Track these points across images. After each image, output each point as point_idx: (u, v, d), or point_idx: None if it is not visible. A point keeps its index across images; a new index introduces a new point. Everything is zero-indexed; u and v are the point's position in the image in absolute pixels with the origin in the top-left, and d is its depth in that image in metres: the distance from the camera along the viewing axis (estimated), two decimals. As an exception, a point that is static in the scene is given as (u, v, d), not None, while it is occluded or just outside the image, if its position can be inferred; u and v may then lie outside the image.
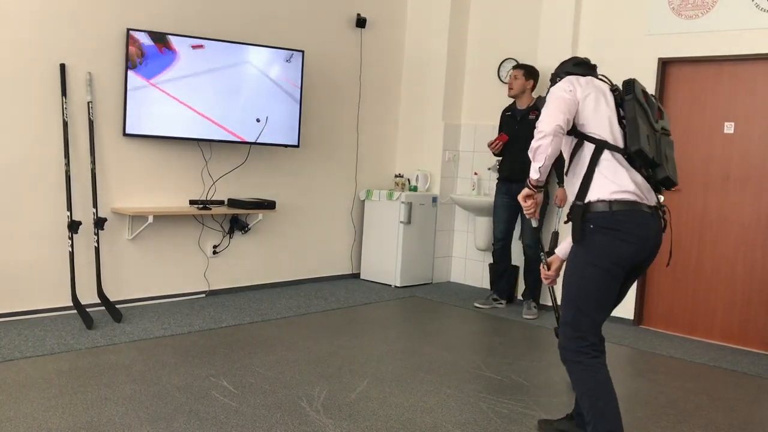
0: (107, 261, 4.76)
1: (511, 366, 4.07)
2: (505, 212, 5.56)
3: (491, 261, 5.88)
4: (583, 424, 2.95)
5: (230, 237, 5.50)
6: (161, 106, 4.80)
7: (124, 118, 4.70)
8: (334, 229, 6.34)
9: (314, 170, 6.08)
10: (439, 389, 3.57)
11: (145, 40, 4.68)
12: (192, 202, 5.19)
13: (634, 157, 2.59)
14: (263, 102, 5.32)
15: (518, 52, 6.11)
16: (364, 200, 6.46)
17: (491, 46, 6.37)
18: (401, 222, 6.15)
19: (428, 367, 3.93)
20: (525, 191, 2.76)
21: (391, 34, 6.64)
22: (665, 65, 5.17)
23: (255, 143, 5.36)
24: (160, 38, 4.74)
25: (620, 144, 2.63)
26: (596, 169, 2.62)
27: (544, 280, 3.03)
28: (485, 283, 6.29)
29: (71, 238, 4.45)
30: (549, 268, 2.99)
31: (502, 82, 6.27)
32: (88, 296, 4.57)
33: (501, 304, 5.70)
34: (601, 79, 2.81)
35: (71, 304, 4.46)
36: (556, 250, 2.98)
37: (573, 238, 2.65)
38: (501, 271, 5.71)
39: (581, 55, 5.53)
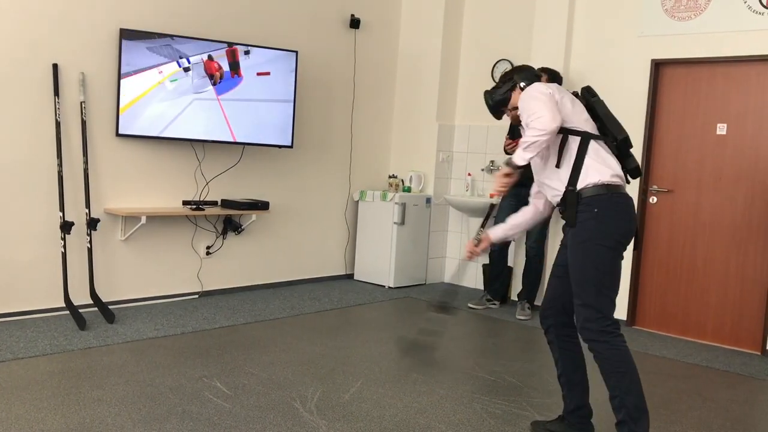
0: (100, 262, 4.74)
1: (504, 367, 4.08)
2: (509, 215, 5.52)
3: (485, 262, 5.89)
4: (572, 424, 2.97)
5: (224, 238, 5.49)
6: (158, 107, 4.79)
7: (117, 119, 4.69)
8: (327, 230, 6.33)
9: (308, 171, 6.08)
10: (432, 390, 3.57)
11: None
12: (185, 203, 5.17)
13: (621, 144, 2.84)
14: (258, 85, 5.29)
15: (512, 53, 6.12)
16: (357, 201, 6.46)
17: (485, 47, 6.38)
18: (395, 223, 6.15)
19: (421, 368, 3.93)
20: (507, 169, 2.84)
21: (385, 35, 6.64)
22: (658, 66, 5.19)
23: (248, 144, 5.35)
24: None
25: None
26: (585, 158, 2.77)
27: (468, 253, 3.15)
28: (479, 284, 6.30)
29: (64, 239, 4.43)
30: (478, 245, 3.13)
31: (496, 83, 6.27)
32: (80, 297, 4.55)
33: (495, 304, 5.71)
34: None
35: (64, 305, 4.44)
36: (489, 232, 3.16)
37: (569, 223, 2.79)
38: (497, 273, 5.71)
39: (575, 56, 5.59)
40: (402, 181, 6.54)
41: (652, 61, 5.17)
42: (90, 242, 4.58)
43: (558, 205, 2.91)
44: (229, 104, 5.15)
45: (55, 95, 4.43)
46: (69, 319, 4.38)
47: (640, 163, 5.20)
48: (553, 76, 5.03)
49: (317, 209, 6.21)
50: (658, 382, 3.98)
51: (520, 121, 2.96)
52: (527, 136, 2.76)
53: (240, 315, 4.88)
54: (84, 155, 4.57)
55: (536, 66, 5.68)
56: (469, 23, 6.55)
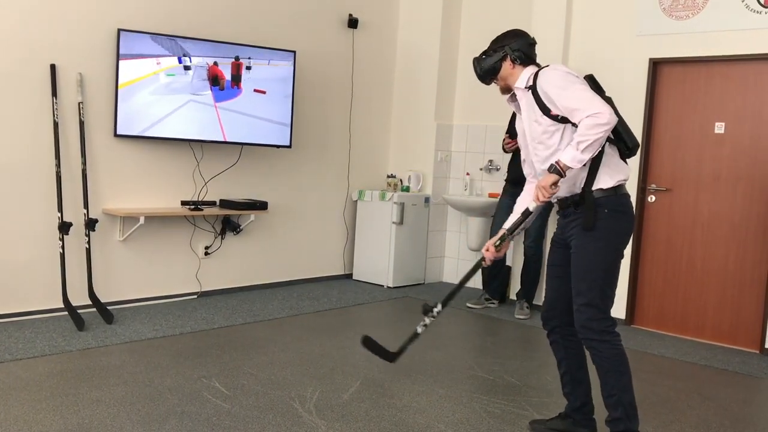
0: (98, 262, 4.74)
1: (503, 366, 4.08)
2: (507, 215, 5.49)
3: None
4: (578, 422, 2.97)
5: (222, 238, 5.48)
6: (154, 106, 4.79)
7: (115, 119, 4.68)
8: (326, 230, 6.33)
9: (306, 171, 6.07)
10: (431, 390, 3.57)
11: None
12: (183, 203, 5.17)
13: (633, 150, 2.81)
14: (255, 102, 5.30)
15: (510, 52, 6.10)
16: (356, 201, 6.46)
17: (483, 47, 6.30)
18: (394, 222, 6.15)
19: (420, 367, 3.93)
20: (555, 177, 2.64)
21: (383, 35, 6.64)
22: (656, 66, 5.19)
23: (247, 144, 5.35)
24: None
25: None
26: (602, 159, 2.72)
27: (487, 258, 2.95)
28: (477, 284, 6.30)
29: (62, 240, 4.42)
30: (500, 249, 2.95)
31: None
32: (79, 298, 4.54)
33: (493, 304, 5.71)
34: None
35: (62, 306, 4.43)
36: (505, 225, 3.00)
37: (586, 226, 2.73)
38: (495, 272, 5.71)
39: (573, 55, 5.58)
40: (400, 180, 6.54)
41: (650, 60, 5.17)
42: (88, 243, 4.58)
43: (566, 206, 2.83)
44: (225, 113, 5.15)
45: (53, 96, 4.42)
46: (67, 319, 4.38)
47: (638, 162, 5.22)
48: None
49: (316, 209, 6.20)
50: (656, 380, 3.98)
51: (510, 90, 2.90)
52: (585, 133, 2.56)
53: (238, 315, 4.88)
54: (82, 156, 4.57)
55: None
56: (467, 22, 6.55)
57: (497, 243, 2.94)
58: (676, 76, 5.15)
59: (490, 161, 6.27)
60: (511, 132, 5.50)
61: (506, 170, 5.61)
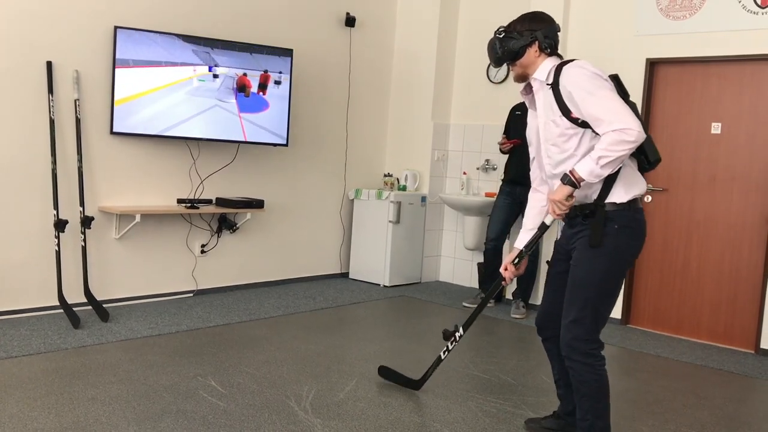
0: (94, 260, 4.73)
1: (499, 365, 4.08)
2: (504, 213, 5.50)
3: (480, 260, 5.89)
4: (571, 423, 2.97)
5: (218, 236, 5.48)
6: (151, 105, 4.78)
7: (111, 116, 4.67)
8: (322, 229, 6.33)
9: (303, 169, 6.07)
10: (427, 388, 3.57)
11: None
12: (180, 201, 5.16)
13: (653, 165, 2.61)
14: (251, 101, 5.30)
15: (507, 52, 6.10)
16: (353, 199, 6.46)
17: (480, 46, 6.32)
18: (390, 221, 6.15)
19: (417, 366, 3.93)
20: (569, 189, 2.48)
21: (380, 34, 6.63)
22: (653, 66, 5.20)
23: (243, 142, 5.35)
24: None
25: None
26: (620, 170, 2.54)
27: (507, 277, 2.87)
28: (474, 283, 6.30)
29: (58, 237, 4.41)
30: (518, 266, 2.86)
31: (492, 82, 6.29)
32: (74, 295, 4.54)
33: (489, 303, 5.70)
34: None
35: (58, 304, 4.43)
36: (516, 244, 2.89)
37: (593, 242, 2.55)
38: (491, 272, 5.71)
39: (571, 55, 5.58)
40: (397, 179, 6.54)
41: (647, 60, 5.18)
42: (84, 240, 4.57)
43: (574, 215, 2.63)
44: (222, 111, 5.16)
45: (49, 93, 4.41)
46: (63, 317, 4.37)
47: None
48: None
49: (312, 208, 6.20)
50: (652, 380, 3.99)
51: (525, 79, 2.66)
52: (608, 148, 2.37)
53: (234, 313, 4.87)
54: (78, 153, 4.55)
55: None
56: (464, 22, 6.55)
57: (515, 261, 2.87)
58: (673, 76, 5.16)
59: (487, 160, 6.27)
60: (508, 132, 5.51)
61: (503, 169, 5.60)
